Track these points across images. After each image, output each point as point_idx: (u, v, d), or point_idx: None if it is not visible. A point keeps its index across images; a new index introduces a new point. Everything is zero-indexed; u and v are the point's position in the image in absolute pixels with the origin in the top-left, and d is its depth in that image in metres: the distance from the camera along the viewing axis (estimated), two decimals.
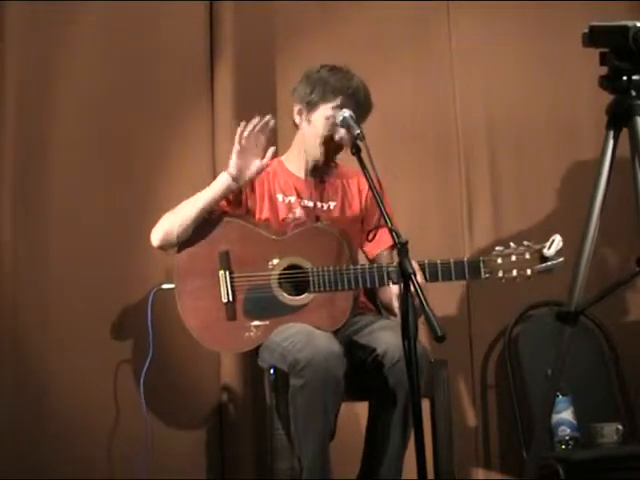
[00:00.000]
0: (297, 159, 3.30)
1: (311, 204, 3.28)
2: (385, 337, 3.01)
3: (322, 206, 3.28)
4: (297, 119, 3.28)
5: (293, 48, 4.01)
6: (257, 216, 3.24)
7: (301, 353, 2.91)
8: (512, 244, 3.04)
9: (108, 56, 3.71)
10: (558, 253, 2.97)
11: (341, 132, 3.15)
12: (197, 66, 3.90)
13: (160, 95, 3.81)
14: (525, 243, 3.03)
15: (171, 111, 3.82)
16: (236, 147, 3.11)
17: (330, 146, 3.20)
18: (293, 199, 3.27)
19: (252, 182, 3.24)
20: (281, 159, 3.34)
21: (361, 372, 3.01)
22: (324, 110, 3.20)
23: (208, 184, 3.65)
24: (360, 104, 3.17)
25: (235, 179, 3.14)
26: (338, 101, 3.17)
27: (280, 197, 3.27)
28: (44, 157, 3.58)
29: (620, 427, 3.67)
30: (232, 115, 3.86)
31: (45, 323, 3.50)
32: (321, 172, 3.30)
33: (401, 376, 2.91)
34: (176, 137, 3.82)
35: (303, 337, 2.97)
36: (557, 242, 2.97)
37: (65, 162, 3.61)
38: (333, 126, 3.17)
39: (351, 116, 3.09)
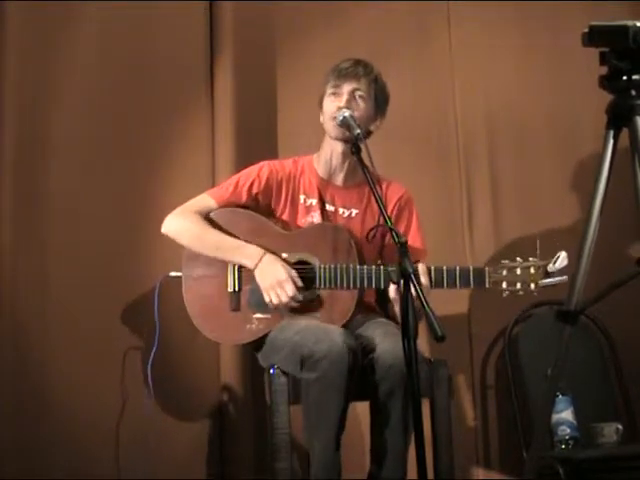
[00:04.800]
0: (323, 160, 3.30)
1: (332, 209, 3.28)
2: (380, 341, 3.02)
3: (343, 212, 3.29)
4: (321, 119, 3.29)
5: (293, 48, 4.01)
6: (277, 216, 3.26)
7: (317, 345, 2.92)
8: (518, 258, 3.07)
9: (108, 56, 3.71)
10: (563, 270, 2.99)
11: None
12: (197, 66, 3.90)
13: (160, 95, 3.81)
14: (530, 259, 3.05)
15: (171, 111, 3.82)
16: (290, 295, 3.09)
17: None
18: (314, 202, 3.27)
19: (279, 182, 3.26)
20: (312, 157, 3.34)
21: (360, 371, 3.01)
22: (327, 93, 3.23)
23: (208, 185, 3.68)
24: (347, 70, 3.20)
25: (255, 268, 3.13)
26: (331, 78, 3.22)
27: (302, 198, 3.28)
28: (44, 157, 3.57)
29: (620, 427, 3.67)
30: (232, 115, 3.86)
31: (47, 318, 3.50)
32: (346, 175, 3.29)
33: (395, 380, 2.93)
34: (176, 137, 3.82)
35: (317, 331, 2.99)
36: (562, 258, 3.00)
37: (65, 161, 3.61)
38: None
39: (351, 116, 3.10)
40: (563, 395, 3.65)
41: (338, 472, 2.97)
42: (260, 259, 3.12)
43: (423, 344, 3.44)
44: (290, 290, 3.07)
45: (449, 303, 3.77)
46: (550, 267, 3.01)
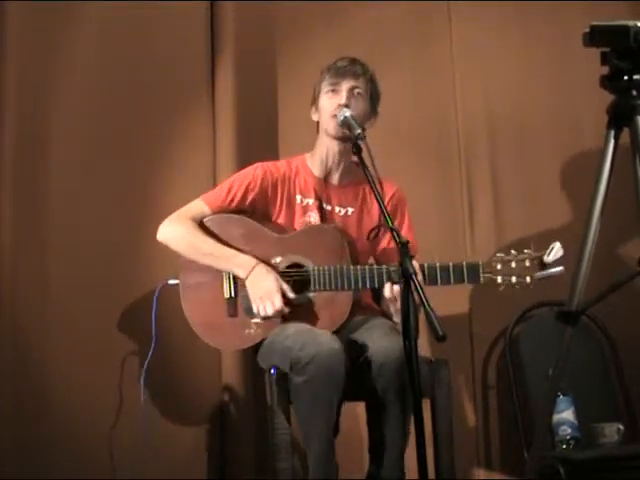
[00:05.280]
0: (318, 159, 3.29)
1: (329, 207, 3.28)
2: (376, 339, 3.02)
3: (340, 211, 3.28)
4: (314, 117, 3.28)
5: (294, 48, 4.01)
6: (273, 220, 3.26)
7: (303, 351, 2.92)
8: (513, 251, 3.05)
9: (108, 56, 3.71)
10: (558, 261, 2.98)
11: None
12: (198, 66, 3.90)
13: (161, 95, 3.81)
14: (525, 251, 3.04)
15: (172, 111, 3.82)
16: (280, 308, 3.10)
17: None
18: (311, 201, 3.27)
19: (275, 184, 3.25)
20: (305, 157, 3.33)
21: (356, 371, 3.01)
22: (323, 90, 3.23)
23: (208, 185, 3.68)
24: (345, 68, 3.20)
25: (247, 278, 3.13)
26: (328, 76, 3.21)
27: (298, 198, 3.27)
28: (44, 157, 3.57)
29: (621, 427, 3.67)
30: (233, 115, 3.86)
31: (46, 321, 3.50)
32: (342, 174, 3.29)
33: (390, 378, 2.93)
34: (177, 137, 3.82)
35: (304, 335, 2.98)
36: (556, 249, 2.98)
37: (65, 162, 3.61)
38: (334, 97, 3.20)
39: (352, 116, 3.09)
40: (564, 395, 3.65)
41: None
42: (252, 269, 3.12)
43: (424, 344, 3.44)
44: (277, 302, 3.08)
45: (450, 303, 3.77)
46: (545, 258, 2.99)
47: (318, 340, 2.94)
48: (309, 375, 2.91)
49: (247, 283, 3.13)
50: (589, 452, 3.58)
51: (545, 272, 3.01)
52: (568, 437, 3.65)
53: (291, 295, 3.10)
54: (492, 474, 3.90)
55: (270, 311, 3.08)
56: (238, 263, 3.15)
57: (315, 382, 2.91)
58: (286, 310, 3.10)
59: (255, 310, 3.12)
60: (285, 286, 3.11)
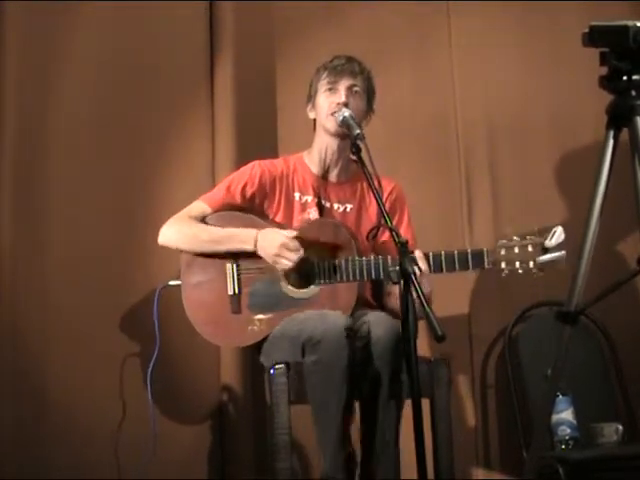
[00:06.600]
0: (316, 157, 3.30)
1: (328, 204, 3.29)
2: (372, 323, 3.02)
3: (338, 208, 3.29)
4: (311, 115, 3.29)
5: (293, 47, 4.02)
6: (271, 217, 3.26)
7: (316, 330, 2.94)
8: (515, 237, 3.04)
9: (108, 56, 3.71)
10: (560, 245, 2.98)
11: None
12: (197, 66, 3.90)
13: (160, 95, 3.81)
14: (528, 236, 3.03)
15: (171, 111, 3.82)
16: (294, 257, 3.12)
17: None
18: (310, 199, 3.27)
19: (273, 181, 3.26)
20: (302, 155, 3.34)
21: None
22: (321, 89, 3.23)
23: (207, 184, 3.68)
24: (343, 67, 3.21)
25: (257, 249, 3.15)
26: (325, 74, 3.22)
27: (297, 196, 3.28)
28: (44, 157, 3.57)
29: (620, 427, 3.67)
30: (232, 115, 3.87)
31: (46, 321, 3.50)
32: (340, 171, 3.29)
33: (379, 352, 2.94)
34: (176, 137, 3.82)
35: (316, 317, 3.01)
36: (558, 233, 2.97)
37: (65, 162, 3.60)
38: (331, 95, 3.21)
39: (351, 116, 3.09)
40: (563, 395, 3.65)
41: (346, 468, 2.97)
42: (256, 240, 3.14)
43: (423, 344, 3.44)
44: (293, 257, 3.09)
45: (449, 304, 3.77)
46: (547, 243, 2.99)
47: (328, 320, 2.96)
48: (321, 353, 2.92)
49: (260, 254, 3.14)
50: (588, 452, 3.58)
51: (548, 256, 3.00)
52: (567, 437, 3.65)
53: (296, 245, 3.11)
54: (491, 474, 3.91)
55: (290, 263, 3.11)
56: (241, 239, 3.17)
57: (326, 360, 2.91)
58: (301, 253, 3.10)
59: (279, 269, 3.15)
60: (287, 240, 3.11)
